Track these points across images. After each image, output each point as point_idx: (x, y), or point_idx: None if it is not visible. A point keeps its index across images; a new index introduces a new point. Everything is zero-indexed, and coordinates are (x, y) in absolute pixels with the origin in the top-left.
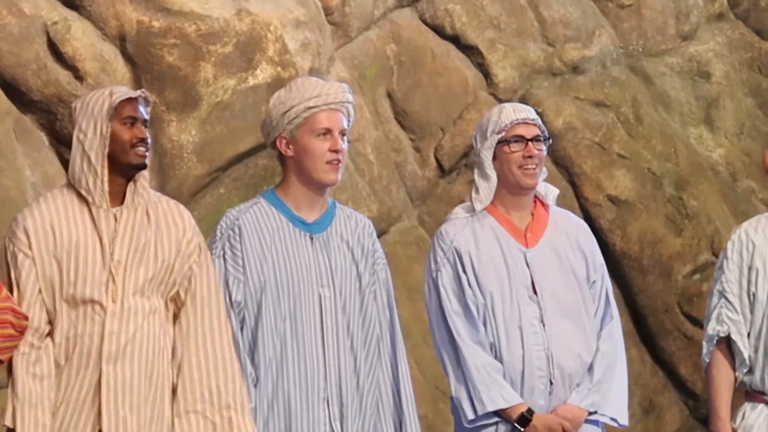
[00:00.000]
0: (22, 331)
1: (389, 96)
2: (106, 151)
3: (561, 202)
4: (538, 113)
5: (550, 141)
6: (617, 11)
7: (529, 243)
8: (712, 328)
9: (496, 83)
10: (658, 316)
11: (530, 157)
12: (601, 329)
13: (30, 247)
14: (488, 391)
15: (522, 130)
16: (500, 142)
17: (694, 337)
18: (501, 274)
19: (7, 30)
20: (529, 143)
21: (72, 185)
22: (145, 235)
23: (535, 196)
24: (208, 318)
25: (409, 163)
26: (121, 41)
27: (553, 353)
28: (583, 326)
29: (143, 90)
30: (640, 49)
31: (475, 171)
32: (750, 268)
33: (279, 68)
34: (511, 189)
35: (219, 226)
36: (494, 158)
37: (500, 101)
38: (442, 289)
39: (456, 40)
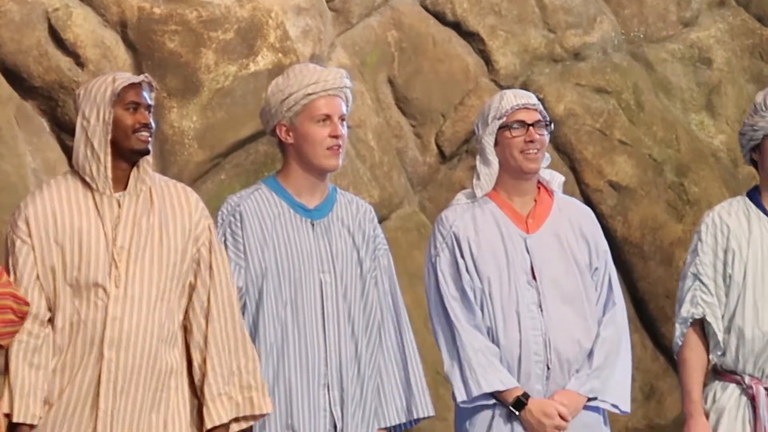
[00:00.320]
0: (22, 317)
1: (390, 82)
2: (109, 137)
3: (562, 188)
4: (540, 99)
5: (552, 126)
6: None
7: (530, 229)
8: (687, 310)
9: (497, 69)
10: (659, 302)
11: (531, 141)
12: (603, 316)
13: (29, 234)
14: (485, 373)
15: (523, 115)
16: (501, 127)
17: None
18: (500, 260)
19: (8, 16)
20: (530, 128)
21: (75, 172)
22: (148, 220)
23: (540, 183)
24: (228, 300)
25: (410, 149)
26: (122, 28)
27: (550, 338)
28: (583, 313)
29: (146, 75)
30: (642, 36)
31: (477, 157)
32: (726, 251)
33: (280, 55)
34: (512, 174)
35: (220, 213)
36: (496, 144)
37: (501, 88)
38: (440, 274)
39: (457, 26)
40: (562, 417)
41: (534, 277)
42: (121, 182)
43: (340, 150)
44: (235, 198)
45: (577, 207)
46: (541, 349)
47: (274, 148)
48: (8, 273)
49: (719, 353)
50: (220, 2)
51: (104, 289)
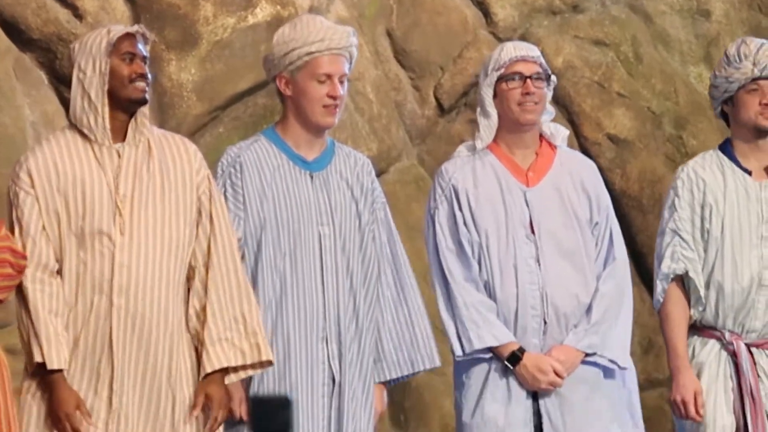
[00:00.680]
0: (20, 271)
1: (389, 35)
2: (106, 87)
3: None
4: None
5: (554, 80)
6: None
7: (530, 182)
8: (667, 266)
9: (496, 22)
10: None
11: (528, 94)
12: (603, 270)
13: (32, 186)
14: (477, 328)
15: (521, 67)
16: (500, 79)
17: None
18: (498, 213)
19: None
20: (528, 80)
21: (73, 125)
22: (149, 170)
23: (543, 137)
24: (229, 247)
25: (408, 102)
26: None
27: (548, 292)
28: (582, 267)
29: (140, 25)
30: None
31: (478, 109)
32: (702, 206)
33: (278, 7)
34: (510, 126)
35: (220, 164)
36: (495, 96)
37: (500, 40)
38: (437, 226)
39: None
40: (557, 373)
41: (533, 231)
42: (119, 133)
43: (337, 109)
44: (234, 149)
45: (579, 160)
46: (538, 304)
47: (272, 101)
48: (12, 225)
49: (701, 309)
50: None
51: (109, 237)
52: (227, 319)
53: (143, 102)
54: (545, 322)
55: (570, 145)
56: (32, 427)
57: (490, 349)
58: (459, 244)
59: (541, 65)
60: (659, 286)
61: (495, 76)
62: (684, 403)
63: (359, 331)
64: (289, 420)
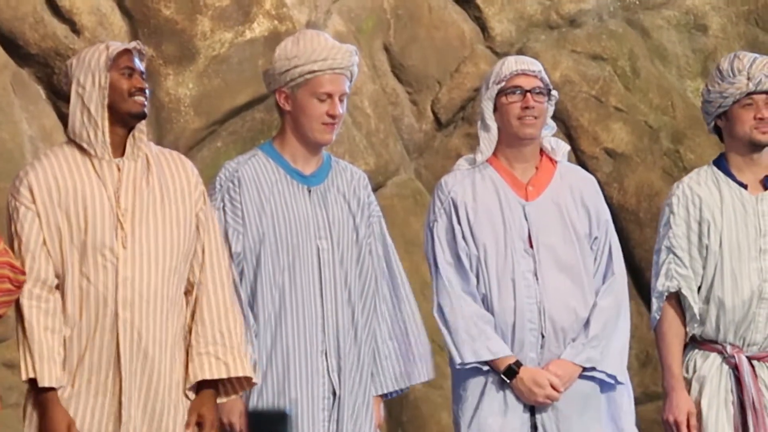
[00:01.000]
0: (19, 286)
1: (386, 49)
2: (106, 102)
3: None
4: None
5: (556, 95)
6: None
7: (529, 196)
8: (662, 284)
9: (493, 36)
10: None
11: (528, 107)
12: (602, 285)
13: (33, 201)
14: (472, 342)
15: (521, 81)
16: (500, 92)
17: None
18: (497, 227)
19: None
20: (528, 94)
21: (72, 141)
22: (148, 184)
23: (543, 151)
24: (217, 265)
25: (406, 116)
26: None
27: (545, 307)
28: (580, 282)
29: (138, 42)
30: (637, 2)
31: (478, 123)
32: (700, 222)
33: (276, 22)
34: (510, 140)
35: (218, 178)
36: (495, 110)
37: (497, 55)
38: (436, 239)
39: None
40: (554, 387)
41: (531, 245)
42: (117, 148)
43: (335, 127)
44: (232, 164)
45: (579, 175)
46: (536, 317)
47: (270, 116)
48: (12, 240)
49: (696, 325)
50: None
51: (112, 251)
52: (209, 335)
53: (142, 116)
54: (543, 336)
55: (568, 160)
56: None
57: (486, 363)
58: (457, 258)
59: (542, 80)
60: (655, 303)
61: (495, 89)
62: (677, 423)
63: (357, 343)
64: None
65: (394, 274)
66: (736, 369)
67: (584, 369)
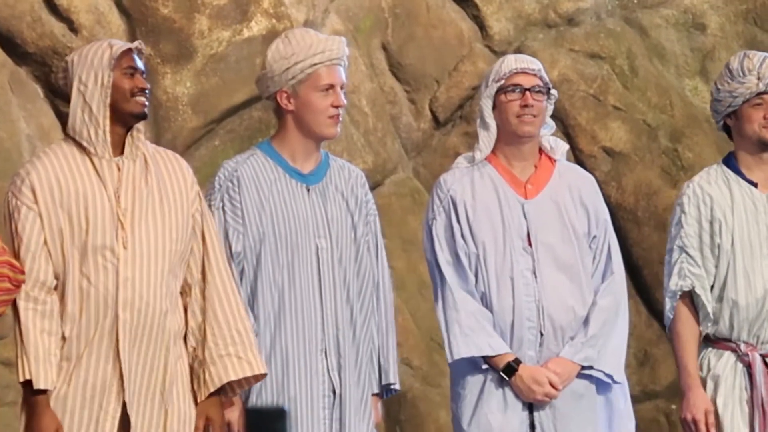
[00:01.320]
0: (18, 285)
1: (384, 48)
2: (108, 101)
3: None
4: None
5: (555, 94)
6: None
7: (528, 194)
8: (675, 283)
9: (491, 35)
10: (653, 268)
11: (527, 106)
12: (601, 284)
13: (35, 201)
14: (473, 335)
15: (520, 79)
16: (499, 90)
17: None
18: (495, 225)
19: None
20: (527, 92)
21: (71, 138)
22: (147, 184)
23: (542, 150)
24: (222, 265)
25: (404, 115)
26: None
27: (544, 305)
28: (579, 280)
29: (140, 42)
30: (635, 1)
31: (477, 120)
32: (711, 221)
33: (274, 20)
34: (509, 138)
35: (217, 178)
36: (494, 108)
37: (495, 53)
38: (435, 238)
39: None
40: (552, 385)
41: (530, 243)
42: (116, 147)
43: (340, 119)
44: (231, 163)
45: (578, 174)
46: (534, 316)
47: (267, 114)
48: (11, 240)
49: (709, 324)
50: None
51: (112, 251)
52: (227, 337)
53: (143, 117)
54: (541, 335)
55: (566, 159)
56: None
57: (485, 360)
58: (456, 256)
59: (541, 78)
60: (668, 303)
61: (495, 87)
62: (695, 421)
63: (356, 342)
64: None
65: (380, 278)
66: (750, 367)
67: (582, 368)
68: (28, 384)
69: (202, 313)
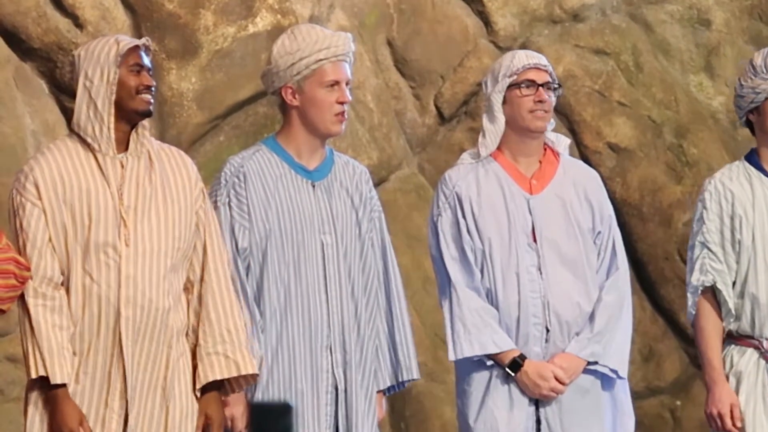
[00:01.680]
0: (23, 282)
1: (389, 44)
2: (113, 97)
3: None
4: None
5: (561, 90)
6: None
7: (533, 190)
8: (696, 278)
9: (497, 31)
10: (658, 264)
11: (541, 101)
12: (606, 280)
13: (39, 197)
14: (479, 333)
15: (534, 75)
16: (511, 86)
17: None
18: (501, 221)
19: None
20: (540, 88)
21: (75, 134)
22: (151, 181)
23: (546, 145)
24: (220, 263)
25: (409, 110)
26: None
27: (549, 301)
28: (584, 276)
29: (147, 38)
30: None
31: (484, 115)
32: (732, 217)
33: (279, 16)
34: (519, 133)
35: (223, 174)
36: (504, 102)
37: (500, 49)
38: (441, 234)
39: None
40: (558, 380)
41: (534, 239)
42: (120, 144)
43: (345, 116)
44: (237, 159)
45: (582, 170)
46: (540, 312)
47: (272, 110)
48: (16, 237)
49: (732, 320)
50: None
51: (115, 248)
52: (217, 334)
53: (148, 114)
54: (547, 330)
55: (571, 154)
56: None
57: (491, 357)
58: (462, 252)
59: (551, 74)
60: (690, 299)
61: (507, 82)
62: (720, 416)
63: (361, 339)
64: (289, 428)
65: (389, 274)
66: None
67: (588, 363)
68: (41, 380)
69: (201, 310)
